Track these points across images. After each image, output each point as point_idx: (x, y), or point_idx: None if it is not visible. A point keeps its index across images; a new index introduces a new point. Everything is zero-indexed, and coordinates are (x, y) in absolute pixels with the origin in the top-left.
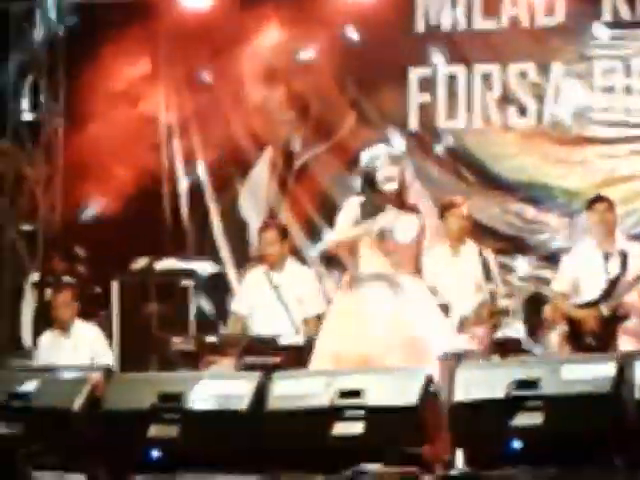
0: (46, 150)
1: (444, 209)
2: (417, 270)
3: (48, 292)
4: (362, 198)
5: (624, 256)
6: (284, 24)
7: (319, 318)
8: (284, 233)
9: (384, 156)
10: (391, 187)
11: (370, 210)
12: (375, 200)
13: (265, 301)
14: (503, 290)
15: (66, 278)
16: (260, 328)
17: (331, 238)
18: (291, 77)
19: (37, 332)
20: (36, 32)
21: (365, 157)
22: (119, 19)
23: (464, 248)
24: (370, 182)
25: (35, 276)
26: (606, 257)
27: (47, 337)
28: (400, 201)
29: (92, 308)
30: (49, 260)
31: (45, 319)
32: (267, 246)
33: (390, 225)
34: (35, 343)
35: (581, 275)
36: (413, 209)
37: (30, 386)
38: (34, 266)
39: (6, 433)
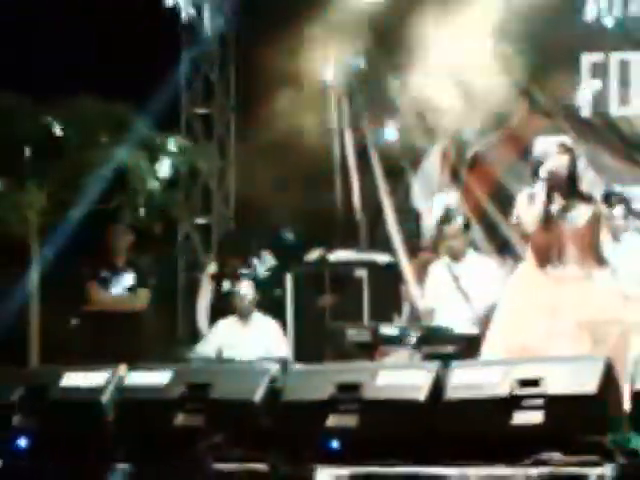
0: (219, 143)
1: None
2: (594, 259)
3: (225, 284)
4: (529, 190)
5: None
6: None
7: None
8: (467, 225)
9: (554, 145)
10: (551, 177)
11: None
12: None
13: (447, 293)
14: None
15: (243, 270)
16: (443, 319)
17: (526, 225)
18: (461, 67)
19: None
20: (207, 26)
21: (537, 145)
22: (290, 10)
23: (625, 235)
24: (538, 170)
25: (212, 267)
26: None
27: (225, 327)
28: (569, 190)
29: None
30: (224, 253)
31: (222, 311)
32: (450, 238)
33: (557, 213)
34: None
35: None
36: (584, 197)
37: (209, 378)
38: (209, 259)
39: (187, 425)
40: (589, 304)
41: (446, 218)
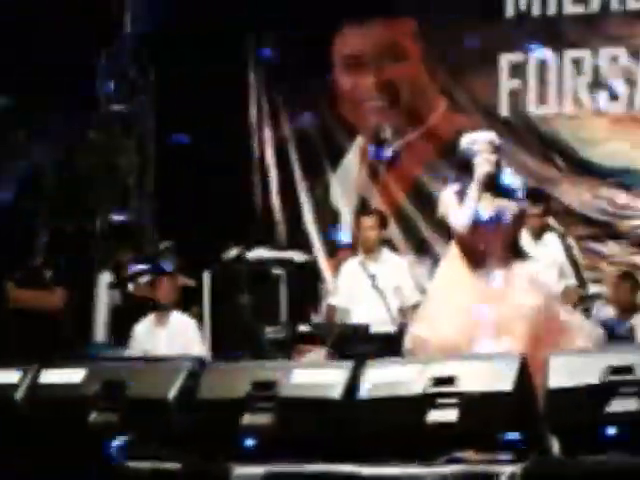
0: (138, 141)
1: None
2: (513, 256)
3: (130, 287)
4: (456, 187)
5: None
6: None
7: (415, 307)
8: (384, 221)
9: (483, 142)
10: (487, 178)
11: (465, 194)
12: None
13: (362, 291)
14: (589, 275)
15: (139, 267)
16: (357, 318)
17: (459, 223)
18: (381, 64)
19: (118, 327)
20: (126, 23)
21: (464, 141)
22: (208, 10)
23: (546, 235)
24: (466, 167)
25: (107, 277)
26: None
27: (143, 326)
28: (495, 188)
29: (186, 301)
30: (117, 254)
31: (136, 313)
32: (366, 230)
33: (485, 211)
34: (116, 337)
35: None
36: (509, 195)
37: (124, 375)
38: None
39: (101, 423)
40: (511, 302)
41: (366, 211)
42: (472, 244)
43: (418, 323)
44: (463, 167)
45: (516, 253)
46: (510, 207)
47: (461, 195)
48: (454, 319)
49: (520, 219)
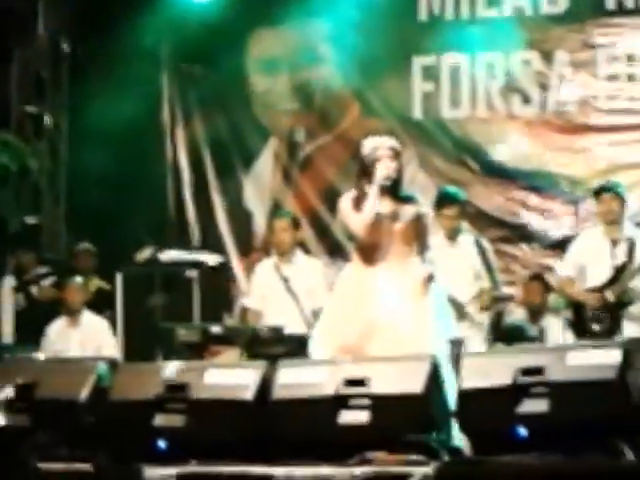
0: (50, 143)
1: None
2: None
3: (33, 289)
4: (353, 193)
5: (631, 243)
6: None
7: None
8: (296, 223)
9: (385, 148)
10: (386, 182)
11: (363, 199)
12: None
13: (275, 293)
14: (502, 277)
15: (41, 269)
16: (271, 320)
17: (357, 228)
18: (295, 66)
19: (23, 329)
20: (40, 25)
21: (366, 146)
22: (124, 12)
23: (460, 237)
24: (367, 171)
25: (11, 281)
26: (613, 244)
27: (55, 327)
28: (395, 192)
29: (100, 303)
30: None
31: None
32: (279, 232)
33: (384, 216)
34: (22, 339)
35: (587, 261)
36: (407, 199)
37: (35, 377)
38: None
39: (12, 425)
40: (398, 303)
41: (278, 214)
42: (370, 247)
43: (320, 326)
44: (364, 172)
45: (414, 255)
46: (408, 210)
47: (359, 201)
48: (353, 321)
49: (418, 223)
